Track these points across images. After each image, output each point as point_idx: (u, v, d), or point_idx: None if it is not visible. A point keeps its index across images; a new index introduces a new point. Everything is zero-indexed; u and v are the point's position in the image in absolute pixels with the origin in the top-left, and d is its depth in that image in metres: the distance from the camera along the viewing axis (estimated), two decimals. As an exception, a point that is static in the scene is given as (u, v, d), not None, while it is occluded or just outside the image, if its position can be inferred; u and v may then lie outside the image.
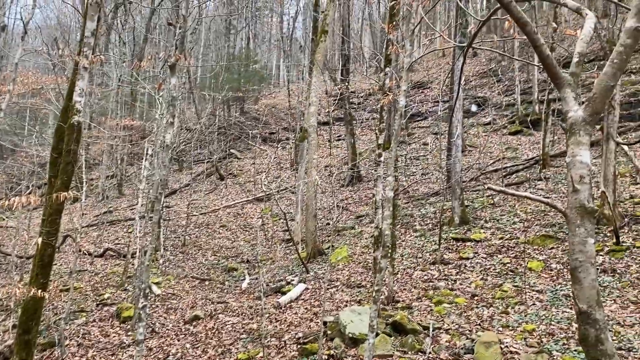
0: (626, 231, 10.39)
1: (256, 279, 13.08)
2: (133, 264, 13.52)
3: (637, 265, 9.02)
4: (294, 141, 23.52)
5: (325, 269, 12.36)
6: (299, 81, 26.45)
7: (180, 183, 24.60)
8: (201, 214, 20.47)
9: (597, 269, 9.16)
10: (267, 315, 9.81)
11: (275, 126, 27.68)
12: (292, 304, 10.51)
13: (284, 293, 11.24)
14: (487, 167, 18.61)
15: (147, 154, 14.13)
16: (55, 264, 15.11)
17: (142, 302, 6.12)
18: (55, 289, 12.68)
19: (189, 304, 11.64)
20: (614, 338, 6.80)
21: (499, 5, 2.51)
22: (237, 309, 10.75)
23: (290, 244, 15.42)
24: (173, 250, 16.67)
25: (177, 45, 7.09)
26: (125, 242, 17.57)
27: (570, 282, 7.46)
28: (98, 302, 12.07)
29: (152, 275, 13.38)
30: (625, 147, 15.20)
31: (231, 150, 26.77)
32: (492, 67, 25.74)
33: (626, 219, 10.91)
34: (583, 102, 1.61)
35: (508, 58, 24.19)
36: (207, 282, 13.51)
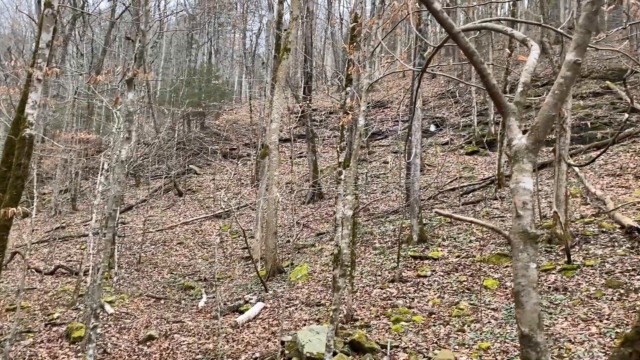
0: (577, 250, 10.73)
1: (213, 297, 12.84)
2: (85, 282, 13.07)
3: (587, 284, 9.32)
4: (255, 157, 23.40)
5: (284, 287, 12.26)
6: (261, 97, 26.46)
7: (136, 199, 24.04)
8: (158, 230, 20.02)
9: (550, 287, 9.43)
10: (224, 335, 9.63)
11: (236, 142, 27.51)
12: (250, 323, 10.35)
13: (242, 312, 11.07)
14: (445, 186, 18.97)
15: (102, 168, 13.77)
16: (2, 282, 14.44)
17: (92, 322, 5.90)
18: (1, 309, 12.10)
19: (143, 323, 11.30)
20: (565, 355, 6.97)
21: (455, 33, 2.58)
22: (193, 329, 10.51)
23: (250, 261, 15.24)
24: (128, 268, 16.20)
25: (135, 59, 6.98)
26: (77, 259, 16.98)
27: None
28: (47, 322, 11.57)
29: (105, 294, 12.95)
30: (577, 169, 15.79)
31: (190, 166, 26.40)
32: (450, 89, 26.41)
33: (577, 238, 11.28)
34: (526, 131, 1.68)
35: (465, 80, 24.88)
36: (162, 301, 13.17)
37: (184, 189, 24.25)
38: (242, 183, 23.52)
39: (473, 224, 14.09)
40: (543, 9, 20.60)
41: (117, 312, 12.05)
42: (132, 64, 7.01)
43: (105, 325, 11.06)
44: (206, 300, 12.78)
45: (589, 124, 16.75)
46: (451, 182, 19.02)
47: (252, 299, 11.85)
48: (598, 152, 12.92)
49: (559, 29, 3.59)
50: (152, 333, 10.23)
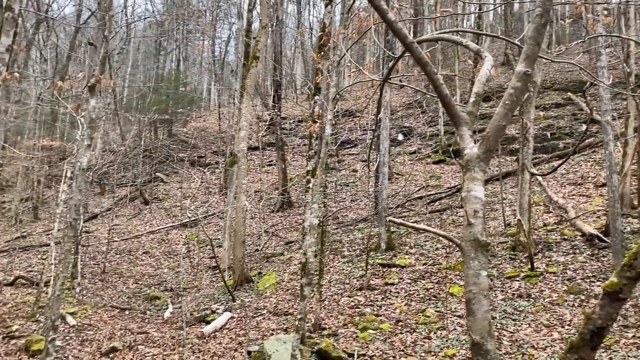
0: (540, 257, 10.97)
1: (180, 307, 12.63)
2: (46, 293, 12.67)
3: (550, 290, 9.53)
4: (223, 165, 23.21)
5: (252, 297, 12.16)
6: (230, 105, 26.31)
7: (101, 207, 23.52)
8: (123, 239, 19.62)
9: (514, 294, 9.60)
10: (190, 345, 9.47)
11: (204, 150, 27.24)
12: (216, 333, 10.21)
13: (208, 322, 10.91)
14: (413, 195, 19.17)
15: (65, 176, 13.44)
16: (-43, 294, 13.88)
17: (51, 335, 5.72)
18: (-44, 322, 11.63)
19: (106, 335, 11.02)
20: (528, 360, 7.10)
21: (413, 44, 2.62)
22: (158, 340, 10.30)
23: (217, 271, 15.06)
24: (92, 278, 15.80)
25: (99, 65, 6.85)
26: (39, 269, 16.47)
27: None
28: (5, 335, 11.15)
29: (67, 305, 12.59)
30: (540, 178, 16.18)
31: (157, 174, 25.99)
32: (418, 99, 26.78)
33: (540, 246, 11.53)
34: (477, 140, 1.72)
35: (427, 91, 25.29)
36: (127, 312, 12.88)
37: (150, 197, 23.85)
38: (210, 191, 23.28)
39: (441, 230, 14.25)
40: (507, 22, 21.13)
41: (79, 324, 11.71)
42: (96, 70, 6.87)
43: (67, 338, 10.74)
44: (172, 310, 12.56)
45: (548, 134, 17.21)
46: (418, 190, 19.24)
47: (219, 308, 11.70)
48: (559, 162, 13.28)
49: (516, 42, 3.69)
50: (116, 345, 9.98)
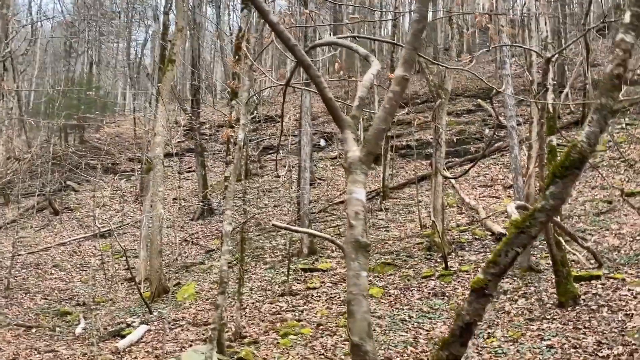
0: (453, 257, 11.44)
1: (93, 322, 11.97)
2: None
3: (463, 288, 9.94)
4: (139, 173, 22.34)
5: (170, 308, 11.77)
6: (146, 110, 25.42)
7: (5, 219, 21.89)
8: (30, 253, 18.34)
9: (430, 292, 9.93)
10: (103, 362, 8.98)
11: (119, 156, 26.11)
12: (132, 347, 9.76)
13: (123, 336, 10.41)
14: (335, 199, 19.40)
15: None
16: None
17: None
18: None
19: (9, 356, 10.22)
20: (443, 357, 7.33)
21: (307, 48, 2.64)
22: (68, 358, 9.69)
23: (133, 283, 14.44)
24: (-7, 296, 14.63)
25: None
26: None
27: (404, 307, 7.91)
28: None
29: (-36, 326, 11.57)
30: (453, 181, 16.90)
31: (68, 182, 24.58)
32: (340, 103, 27.16)
33: (453, 246, 12.04)
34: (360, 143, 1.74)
35: (349, 95, 25.76)
36: (34, 330, 12.02)
37: (60, 207, 22.49)
38: (126, 200, 22.34)
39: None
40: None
41: (-23, 346, 10.79)
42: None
43: (-37, 362, 9.86)
44: (84, 326, 11.86)
45: (454, 139, 18.01)
46: (340, 195, 19.49)
47: (135, 322, 11.21)
48: (469, 165, 13.96)
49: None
50: (19, 367, 9.28)
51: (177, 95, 26.36)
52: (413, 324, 8.73)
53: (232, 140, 7.75)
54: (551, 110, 8.31)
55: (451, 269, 10.75)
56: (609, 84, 1.46)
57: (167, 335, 9.99)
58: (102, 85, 34.76)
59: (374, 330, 8.58)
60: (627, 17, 1.46)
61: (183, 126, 23.68)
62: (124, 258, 15.97)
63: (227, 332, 9.40)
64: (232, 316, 9.61)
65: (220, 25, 34.05)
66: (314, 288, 11.11)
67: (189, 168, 24.84)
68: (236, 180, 23.74)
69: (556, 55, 8.75)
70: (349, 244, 1.49)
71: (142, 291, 12.67)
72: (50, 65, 36.89)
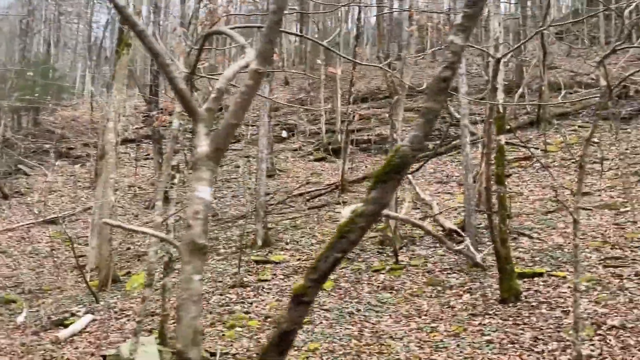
0: (404, 251, 11.57)
1: (37, 311, 11.63)
2: None
3: (411, 282, 10.07)
4: (95, 158, 21.76)
5: (118, 298, 11.53)
6: (105, 94, 24.74)
7: (-50, 202, 21.00)
8: (-25, 238, 17.66)
9: (379, 286, 10.00)
10: (42, 352, 8.74)
11: (75, 141, 25.35)
12: (74, 337, 9.53)
13: (67, 326, 10.15)
14: (294, 191, 19.36)
15: None
16: None
17: None
18: None
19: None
20: (385, 351, 7.42)
21: (201, 37, 2.58)
22: (5, 348, 9.38)
23: (84, 271, 14.08)
24: None
25: None
26: None
27: (353, 300, 7.95)
28: None
29: None
30: (409, 176, 17.06)
31: (19, 166, 23.74)
32: (301, 97, 27.09)
33: (405, 240, 12.17)
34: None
35: (313, 87, 25.78)
36: (-28, 319, 11.59)
37: (10, 191, 21.71)
38: (80, 186, 21.74)
39: (318, 225, 14.55)
40: (379, 27, 21.97)
41: None
42: None
43: None
44: (26, 315, 11.50)
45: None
46: (299, 187, 19.46)
47: (80, 311, 10.94)
48: (421, 162, 14.17)
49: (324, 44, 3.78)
50: (-47, 356, 8.93)
51: (137, 80, 25.77)
52: (360, 317, 8.79)
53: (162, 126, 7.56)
54: (501, 110, 8.45)
55: (401, 263, 10.87)
56: (435, 87, 1.45)
57: (112, 325, 9.80)
58: (60, 66, 33.65)
59: (321, 322, 8.63)
60: (458, 18, 1.44)
61: (142, 112, 23.18)
62: (77, 245, 15.59)
63: (173, 323, 9.29)
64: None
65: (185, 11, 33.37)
66: (266, 280, 11.06)
67: (146, 155, 24.33)
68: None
69: (508, 56, 8.90)
70: (184, 245, 1.42)
71: (88, 279, 12.38)
72: (5, 44, 35.47)
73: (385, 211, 2.10)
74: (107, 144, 13.08)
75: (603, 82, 5.38)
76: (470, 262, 9.49)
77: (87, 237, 16.34)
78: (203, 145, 1.48)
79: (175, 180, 7.77)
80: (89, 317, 10.40)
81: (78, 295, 12.61)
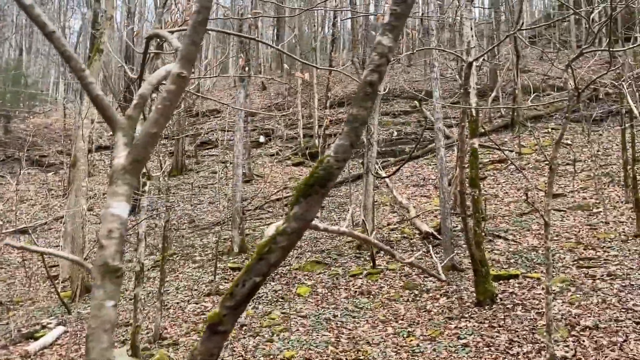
0: (382, 255, 11.54)
1: (7, 324, 11.31)
2: None
3: (388, 287, 10.05)
4: (68, 166, 21.36)
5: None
6: (78, 101, 24.31)
7: None
8: (-58, 249, 17.15)
9: (356, 291, 9.95)
10: (11, 367, 8.48)
11: (47, 149, 24.86)
12: (45, 350, 9.28)
13: (38, 339, 9.88)
14: (272, 196, 19.25)
15: None
16: None
17: None
18: None
19: None
20: (362, 357, 7.36)
21: (145, 39, 2.51)
22: (-28, 363, 9.09)
23: (56, 281, 13.76)
24: None
25: None
26: None
27: (330, 305, 7.86)
28: None
29: None
30: (387, 180, 17.11)
31: (-11, 175, 23.18)
32: (279, 102, 27.02)
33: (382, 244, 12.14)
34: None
35: (290, 92, 25.70)
36: (-61, 333, 11.21)
37: (-20, 201, 21.16)
38: (53, 194, 21.32)
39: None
40: (354, 31, 22.00)
41: None
42: None
43: None
44: (-5, 328, 11.18)
45: (392, 139, 18.26)
46: (277, 192, 19.36)
47: (51, 323, 10.67)
48: (399, 166, 14.19)
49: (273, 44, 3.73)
50: None
51: (112, 86, 25.41)
52: (337, 323, 8.72)
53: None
54: (474, 113, 8.49)
55: (379, 267, 10.85)
56: (361, 92, 1.38)
57: (84, 336, 9.55)
58: (32, 73, 33.00)
59: (297, 330, 8.54)
60: (386, 17, 1.39)
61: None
62: (49, 256, 15.23)
63: (147, 333, 9.11)
64: (153, 316, 9.30)
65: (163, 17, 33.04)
66: (242, 287, 10.92)
67: (122, 162, 23.94)
68: (171, 175, 23.00)
69: (480, 60, 8.95)
70: (96, 268, 1.31)
71: (62, 290, 12.11)
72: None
73: (322, 225, 1.99)
74: (78, 151, 12.83)
75: (571, 86, 5.43)
76: (450, 264, 9.51)
77: (60, 246, 15.99)
78: (120, 157, 1.38)
79: (145, 188, 7.62)
80: (61, 329, 10.15)
81: (50, 307, 12.31)
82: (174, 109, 1.47)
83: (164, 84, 1.56)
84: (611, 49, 4.39)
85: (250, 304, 9.98)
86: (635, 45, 8.38)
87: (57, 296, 13.08)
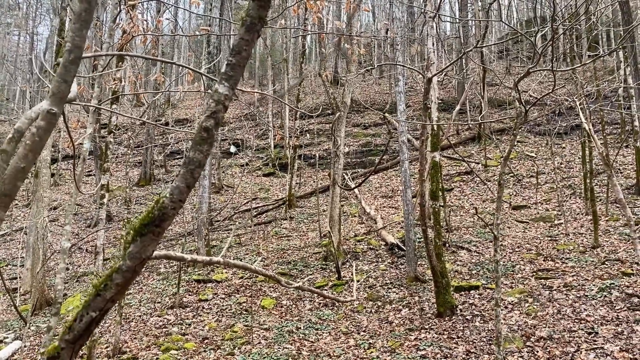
0: (347, 266, 11.60)
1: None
2: None
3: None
4: (32, 175, 20.94)
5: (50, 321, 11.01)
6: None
7: None
8: None
9: (320, 303, 9.94)
10: (-38, 384, 8.23)
11: (12, 158, 24.34)
12: (-1, 366, 9.03)
13: (-8, 354, 9.61)
14: (241, 207, 19.18)
15: None
16: None
17: None
18: None
19: None
20: (321, 369, 7.36)
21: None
22: None
23: (15, 294, 13.42)
24: None
25: None
26: None
27: (294, 317, 7.85)
28: None
29: None
30: (356, 191, 17.22)
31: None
32: (250, 112, 27.00)
33: (349, 255, 12.21)
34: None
35: (261, 102, 25.71)
36: None
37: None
38: (17, 204, 20.85)
39: (263, 242, 14.41)
40: (322, 50, 22.19)
41: None
42: None
43: None
44: (-50, 343, 10.84)
45: (362, 150, 18.39)
46: (247, 202, 19.31)
47: (8, 337, 10.39)
48: (364, 177, 14.30)
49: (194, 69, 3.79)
50: None
51: (80, 94, 25.03)
52: (299, 336, 8.71)
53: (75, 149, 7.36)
54: (435, 127, 8.64)
55: (344, 278, 10.89)
56: (198, 137, 1.44)
57: (40, 352, 9.33)
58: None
59: (259, 342, 8.50)
60: (223, 67, 1.46)
61: (84, 127, 22.49)
62: (10, 266, 14.86)
63: (106, 347, 8.95)
64: (114, 330, 9.14)
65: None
66: (206, 300, 10.84)
67: (89, 172, 23.63)
68: (139, 185, 22.64)
69: (442, 75, 9.10)
70: None
71: (23, 303, 11.82)
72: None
73: (193, 256, 2.03)
74: (40, 161, 12.59)
75: (518, 104, 5.61)
76: (413, 275, 9.60)
77: (22, 257, 15.63)
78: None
79: (105, 200, 7.53)
80: (17, 343, 9.89)
81: (9, 320, 12.00)
82: (43, 145, 1.49)
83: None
84: (553, 69, 4.56)
85: (213, 316, 9.92)
86: (577, 65, 8.69)
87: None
